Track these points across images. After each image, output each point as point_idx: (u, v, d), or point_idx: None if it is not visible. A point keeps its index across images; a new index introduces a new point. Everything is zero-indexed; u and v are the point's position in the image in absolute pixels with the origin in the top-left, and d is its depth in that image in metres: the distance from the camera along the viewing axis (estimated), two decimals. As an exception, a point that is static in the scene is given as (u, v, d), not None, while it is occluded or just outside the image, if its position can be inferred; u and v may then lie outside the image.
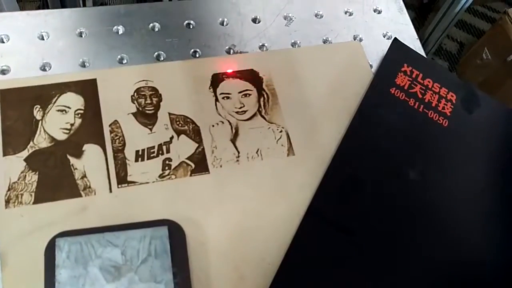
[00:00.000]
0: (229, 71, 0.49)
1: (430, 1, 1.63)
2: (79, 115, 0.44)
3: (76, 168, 0.42)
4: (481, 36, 1.51)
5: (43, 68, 0.46)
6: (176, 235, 0.39)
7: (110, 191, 0.41)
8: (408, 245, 0.44)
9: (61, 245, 0.37)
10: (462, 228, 0.46)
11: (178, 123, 0.45)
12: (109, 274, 0.36)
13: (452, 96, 0.51)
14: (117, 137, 0.44)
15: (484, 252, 0.46)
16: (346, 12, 0.55)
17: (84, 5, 1.28)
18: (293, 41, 0.52)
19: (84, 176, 0.42)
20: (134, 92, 0.46)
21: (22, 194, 0.40)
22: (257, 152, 0.45)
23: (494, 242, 0.46)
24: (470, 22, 1.67)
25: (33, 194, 0.40)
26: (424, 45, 1.44)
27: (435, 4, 1.61)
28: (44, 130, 0.43)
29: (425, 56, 0.54)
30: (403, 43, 0.53)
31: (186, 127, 0.45)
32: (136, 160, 0.43)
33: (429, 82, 0.51)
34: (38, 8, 1.44)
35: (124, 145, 0.43)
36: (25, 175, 0.41)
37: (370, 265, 0.42)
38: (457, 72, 1.54)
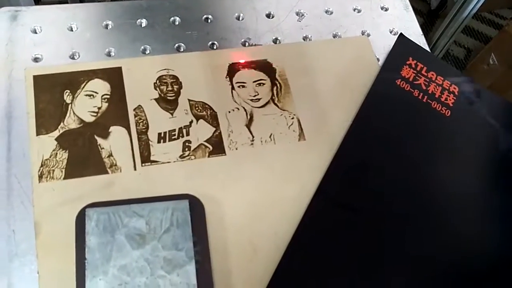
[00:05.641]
0: (245, 61, 0.52)
1: (438, 8, 1.66)
2: (106, 99, 0.47)
3: (103, 148, 0.45)
4: (488, 42, 1.54)
5: (72, 57, 0.50)
6: (196, 208, 0.42)
7: (135, 169, 0.45)
8: (409, 225, 0.47)
9: (91, 214, 0.40)
10: (460, 212, 0.48)
11: (197, 108, 0.49)
12: (134, 241, 0.40)
13: (454, 88, 0.54)
14: (141, 120, 0.47)
15: (481, 238, 0.48)
16: (354, 9, 0.59)
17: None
18: (304, 35, 0.55)
19: (110, 155, 0.45)
20: (157, 79, 0.49)
21: (53, 170, 0.44)
22: (270, 137, 0.49)
23: (492, 228, 0.49)
24: (477, 28, 1.70)
25: (63, 170, 0.44)
26: (431, 50, 1.47)
27: (443, 10, 1.64)
28: (74, 113, 0.46)
29: (429, 51, 0.57)
30: (409, 38, 0.56)
31: (204, 113, 0.49)
32: (159, 142, 0.46)
33: (432, 75, 0.54)
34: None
35: (147, 127, 0.47)
36: (56, 153, 0.44)
37: (373, 241, 0.45)
38: (464, 77, 1.56)
